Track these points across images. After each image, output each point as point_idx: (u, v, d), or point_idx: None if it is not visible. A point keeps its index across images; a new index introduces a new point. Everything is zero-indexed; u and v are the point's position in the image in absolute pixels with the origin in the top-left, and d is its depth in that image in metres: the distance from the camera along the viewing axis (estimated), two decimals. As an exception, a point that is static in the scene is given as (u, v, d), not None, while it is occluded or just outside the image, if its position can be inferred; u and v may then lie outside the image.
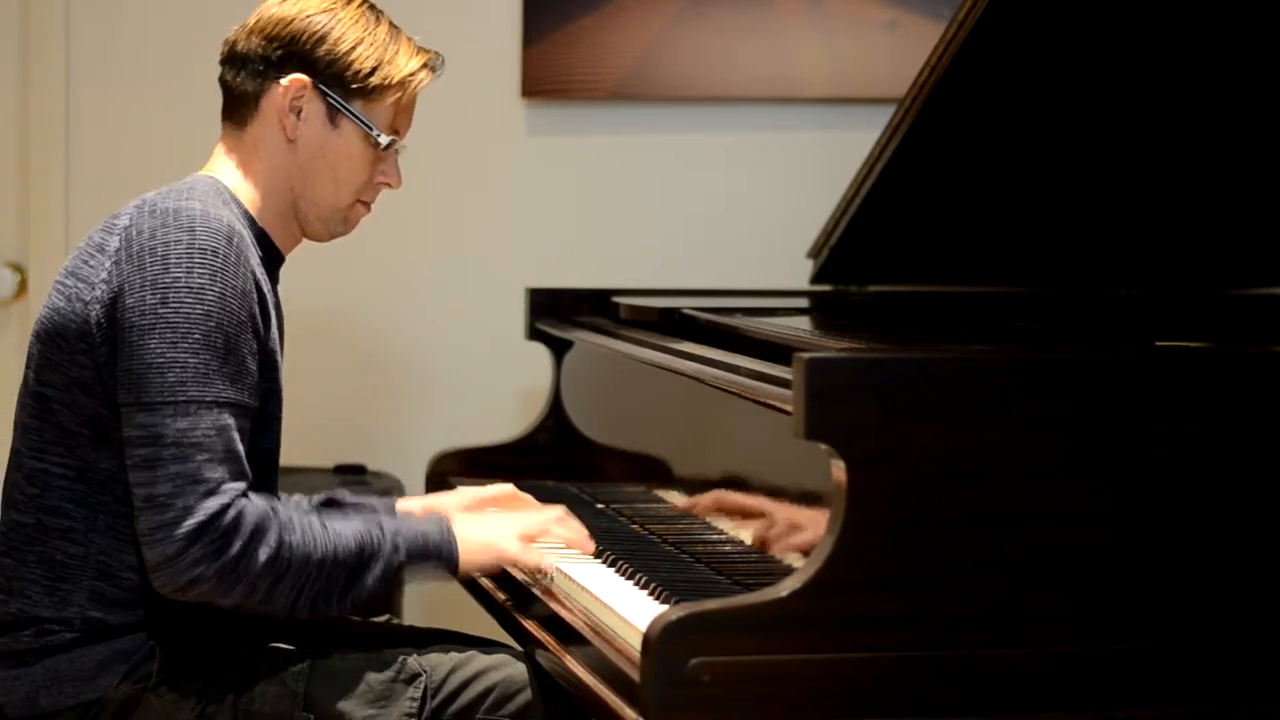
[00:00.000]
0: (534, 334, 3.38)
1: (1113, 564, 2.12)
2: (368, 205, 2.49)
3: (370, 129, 2.40)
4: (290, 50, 2.37)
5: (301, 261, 3.80)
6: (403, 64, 2.42)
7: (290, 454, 3.67)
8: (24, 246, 3.77)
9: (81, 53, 3.82)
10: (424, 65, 2.44)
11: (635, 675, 2.03)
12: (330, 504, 2.68)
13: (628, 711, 2.05)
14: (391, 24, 2.45)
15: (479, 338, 3.83)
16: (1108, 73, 2.92)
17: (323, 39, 2.37)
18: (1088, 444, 2.11)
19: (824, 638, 2.04)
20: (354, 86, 2.39)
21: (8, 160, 3.82)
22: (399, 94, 2.42)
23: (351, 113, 2.39)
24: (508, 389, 3.81)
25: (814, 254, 3.41)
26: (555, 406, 3.32)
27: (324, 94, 2.38)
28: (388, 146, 2.43)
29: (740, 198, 3.88)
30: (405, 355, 3.86)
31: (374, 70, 2.39)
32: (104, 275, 2.26)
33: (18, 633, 2.30)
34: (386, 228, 3.86)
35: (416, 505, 2.71)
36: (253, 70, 2.39)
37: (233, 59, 2.41)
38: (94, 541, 2.29)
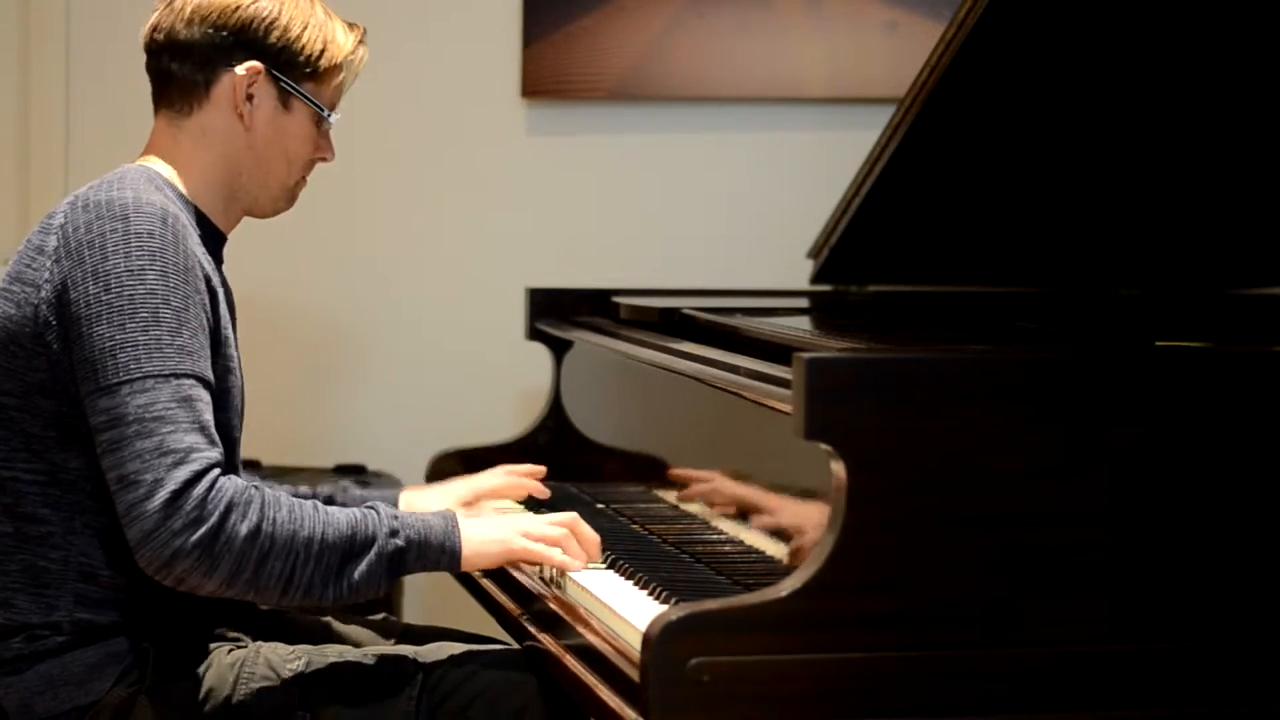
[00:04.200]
0: (534, 334, 3.38)
1: (1112, 564, 2.11)
2: (305, 179, 2.50)
3: (322, 110, 2.42)
4: (241, 38, 2.37)
5: (300, 261, 3.81)
6: (343, 43, 2.43)
7: (290, 454, 3.70)
8: (24, 246, 3.77)
9: (81, 53, 3.82)
10: (359, 42, 2.46)
11: (635, 675, 2.03)
12: (331, 501, 2.68)
13: (627, 711, 2.05)
14: (319, 1, 2.46)
15: (479, 338, 3.83)
16: (1108, 73, 2.92)
17: (272, 25, 2.38)
18: (1088, 444, 2.11)
19: (824, 638, 2.04)
20: (306, 70, 2.40)
21: (8, 160, 3.83)
22: (341, 72, 2.44)
23: (305, 96, 2.40)
24: (508, 389, 3.81)
25: (814, 254, 3.41)
26: (555, 406, 3.32)
27: (276, 79, 2.39)
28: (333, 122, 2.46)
29: (740, 198, 3.88)
30: (406, 355, 3.86)
31: (323, 53, 2.40)
32: (46, 275, 2.25)
33: (8, 640, 2.28)
34: (386, 227, 3.87)
35: (418, 495, 2.70)
36: (200, 59, 2.38)
37: (173, 48, 2.39)
38: (73, 544, 2.27)
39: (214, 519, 2.16)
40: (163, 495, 2.14)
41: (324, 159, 2.48)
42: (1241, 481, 2.15)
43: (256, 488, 2.22)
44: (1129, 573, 2.12)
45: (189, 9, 2.38)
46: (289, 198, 2.48)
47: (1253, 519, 2.15)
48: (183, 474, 2.15)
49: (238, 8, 2.37)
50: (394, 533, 2.26)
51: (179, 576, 2.18)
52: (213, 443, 2.20)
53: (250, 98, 2.38)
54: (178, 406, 2.18)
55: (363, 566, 2.24)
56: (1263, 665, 2.14)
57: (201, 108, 2.40)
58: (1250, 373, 2.17)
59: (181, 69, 2.39)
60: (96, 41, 3.82)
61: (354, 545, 2.24)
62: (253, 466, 3.47)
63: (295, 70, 2.39)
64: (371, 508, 2.29)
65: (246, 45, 2.38)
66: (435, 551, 2.30)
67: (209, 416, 2.22)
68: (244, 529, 2.17)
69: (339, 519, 2.24)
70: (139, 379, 2.18)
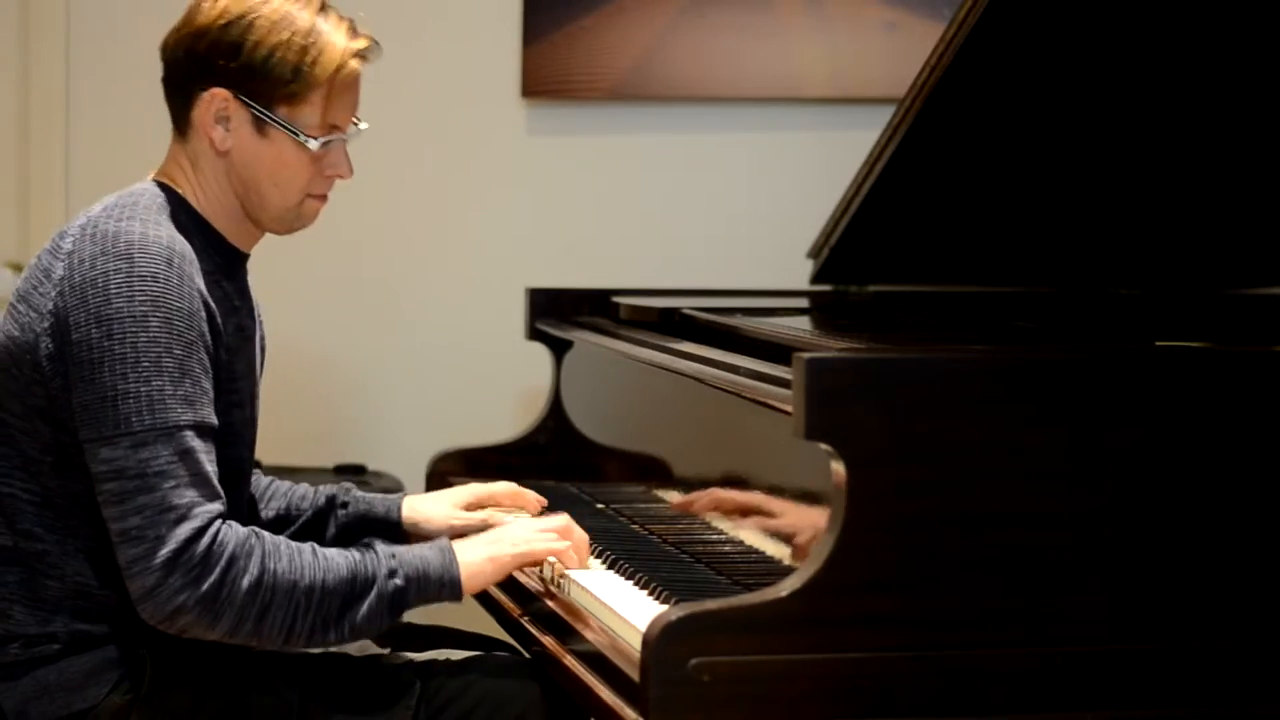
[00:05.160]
0: (534, 334, 3.38)
1: (1112, 564, 2.12)
2: (322, 198, 2.40)
3: (297, 134, 2.32)
4: (207, 63, 2.30)
5: (301, 262, 3.81)
6: (327, 60, 2.31)
7: (290, 454, 3.70)
8: (24, 246, 3.77)
9: (81, 52, 3.82)
10: (354, 55, 2.33)
11: (635, 675, 2.03)
12: (333, 501, 2.67)
13: (628, 711, 2.05)
14: (323, 6, 2.34)
15: (479, 338, 3.83)
16: (1108, 73, 2.92)
17: (237, 49, 2.29)
18: (1088, 444, 2.11)
19: (824, 638, 2.04)
20: (276, 94, 2.30)
21: (8, 160, 3.82)
22: (325, 91, 2.32)
23: (277, 121, 2.31)
24: (508, 389, 3.81)
25: (814, 254, 3.41)
26: (555, 406, 3.32)
27: (246, 104, 2.31)
28: (325, 144, 2.34)
29: (740, 198, 3.88)
30: (406, 355, 3.86)
31: (294, 76, 2.29)
32: (50, 305, 2.23)
33: (5, 646, 2.28)
34: (386, 228, 3.87)
35: (421, 503, 2.69)
36: (179, 83, 2.34)
37: (165, 69, 2.36)
38: (69, 564, 2.27)
39: (215, 574, 2.16)
40: (165, 553, 2.14)
41: (338, 176, 2.39)
42: (1241, 481, 2.15)
43: (257, 535, 2.21)
44: (1129, 573, 2.12)
45: (176, 33, 2.35)
46: (299, 217, 2.39)
47: (1253, 519, 2.15)
48: (184, 531, 2.15)
49: (206, 32, 2.30)
50: (393, 573, 2.26)
51: (182, 628, 2.19)
52: (214, 495, 2.20)
53: (225, 122, 2.32)
54: (179, 461, 2.17)
55: (364, 610, 2.24)
56: (1263, 665, 2.14)
57: (191, 134, 2.35)
58: (1250, 373, 2.17)
59: (168, 92, 2.37)
60: (96, 41, 3.82)
61: (354, 589, 2.24)
62: (259, 472, 3.47)
63: (265, 95, 2.30)
64: (368, 546, 2.29)
65: (213, 70, 2.30)
66: (435, 585, 2.30)
67: (211, 466, 2.21)
68: (245, 583, 2.17)
69: (338, 564, 2.24)
70: (140, 432, 2.17)
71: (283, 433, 3.70)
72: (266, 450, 3.47)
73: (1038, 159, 3.09)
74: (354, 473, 3.69)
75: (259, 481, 2.66)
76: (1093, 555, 2.11)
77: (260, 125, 2.32)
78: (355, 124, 2.40)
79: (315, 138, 2.33)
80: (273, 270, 3.69)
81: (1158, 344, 2.45)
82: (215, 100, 2.31)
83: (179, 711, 2.27)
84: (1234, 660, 2.14)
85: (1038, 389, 2.12)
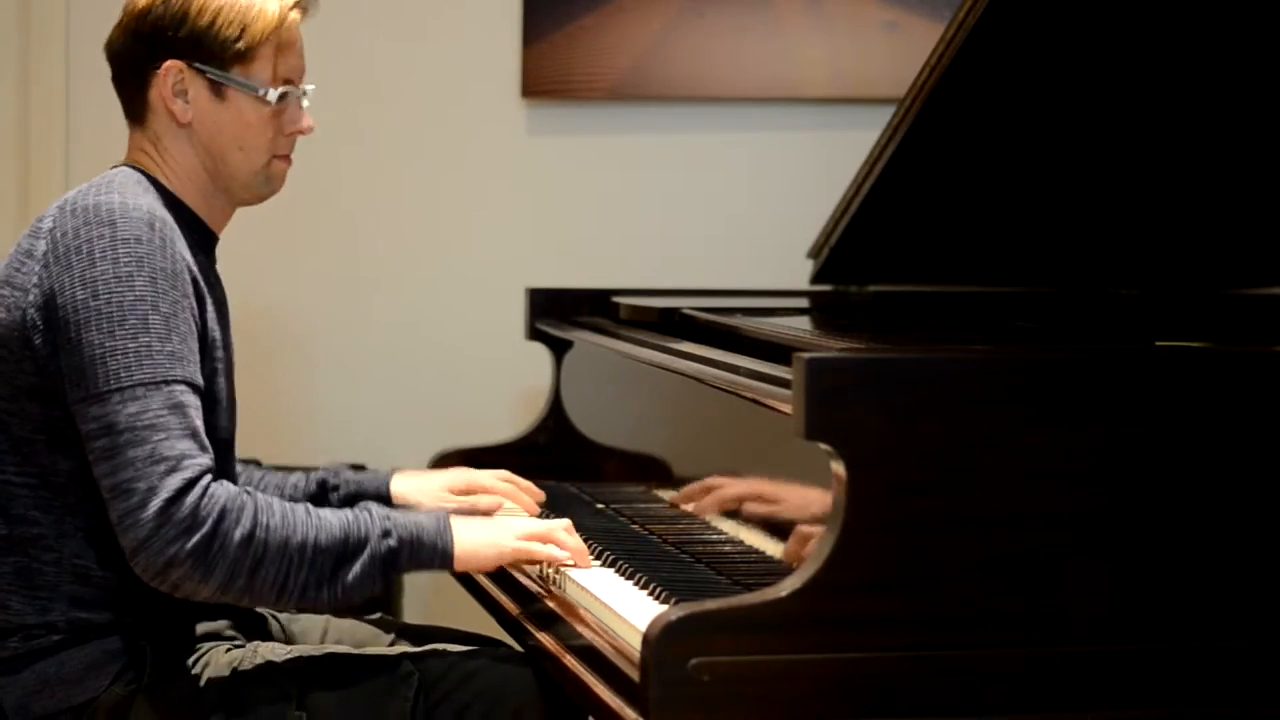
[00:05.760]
0: (534, 334, 3.38)
1: (1112, 564, 2.11)
2: (286, 158, 2.44)
3: (256, 90, 2.37)
4: (155, 40, 2.36)
5: (300, 260, 3.81)
6: (268, 14, 2.37)
7: (289, 454, 3.70)
8: (24, 246, 3.77)
9: (81, 52, 3.82)
10: (292, 7, 2.39)
11: (635, 675, 2.03)
12: (325, 485, 2.68)
13: (627, 711, 2.05)
14: None
15: (479, 338, 3.83)
16: (1108, 73, 2.92)
17: (182, 19, 2.35)
18: (1088, 444, 2.11)
19: (824, 638, 2.04)
20: (229, 55, 2.36)
21: (8, 160, 3.82)
22: (273, 45, 2.37)
23: (233, 81, 2.36)
24: (508, 389, 3.81)
25: (814, 254, 3.41)
26: (555, 406, 3.32)
27: (201, 71, 2.36)
28: (281, 99, 2.39)
29: (740, 198, 3.88)
30: (406, 355, 3.86)
31: (241, 34, 2.35)
32: (35, 280, 2.25)
33: (4, 640, 2.29)
34: (386, 227, 3.87)
35: (410, 481, 2.71)
36: (131, 68, 2.39)
37: (113, 62, 2.41)
38: (66, 546, 2.28)
39: (207, 526, 2.16)
40: (156, 503, 2.15)
41: (299, 132, 2.44)
42: (1241, 481, 2.15)
43: (249, 493, 2.22)
44: (1129, 573, 2.12)
45: (118, 26, 2.41)
46: (267, 180, 2.43)
47: (1253, 519, 2.15)
48: (175, 481, 2.16)
49: (148, 11, 2.36)
50: (386, 533, 2.27)
51: (174, 583, 2.18)
52: (204, 448, 2.21)
53: (183, 95, 2.37)
54: (169, 413, 2.19)
55: (356, 569, 2.25)
56: (1263, 666, 2.14)
57: (150, 116, 2.40)
58: (1250, 373, 2.17)
59: (120, 81, 2.41)
60: (96, 41, 3.80)
61: (347, 548, 2.24)
62: (253, 466, 3.47)
63: (217, 59, 2.36)
64: (364, 509, 2.30)
65: (162, 45, 2.36)
66: (428, 551, 2.31)
67: (199, 422, 2.22)
68: (237, 535, 2.18)
69: (331, 522, 2.25)
70: (129, 387, 2.18)
71: (282, 433, 3.71)
72: (265, 450, 3.48)
73: (1038, 159, 3.09)
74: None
75: (250, 475, 2.67)
76: (1093, 555, 2.11)
77: (218, 90, 2.37)
78: (304, 89, 2.44)
79: (273, 88, 2.38)
80: (271, 269, 3.70)
81: (1158, 344, 2.45)
82: (170, 73, 2.36)
83: (180, 702, 2.28)
84: (1234, 660, 2.14)
85: (1038, 389, 2.12)
